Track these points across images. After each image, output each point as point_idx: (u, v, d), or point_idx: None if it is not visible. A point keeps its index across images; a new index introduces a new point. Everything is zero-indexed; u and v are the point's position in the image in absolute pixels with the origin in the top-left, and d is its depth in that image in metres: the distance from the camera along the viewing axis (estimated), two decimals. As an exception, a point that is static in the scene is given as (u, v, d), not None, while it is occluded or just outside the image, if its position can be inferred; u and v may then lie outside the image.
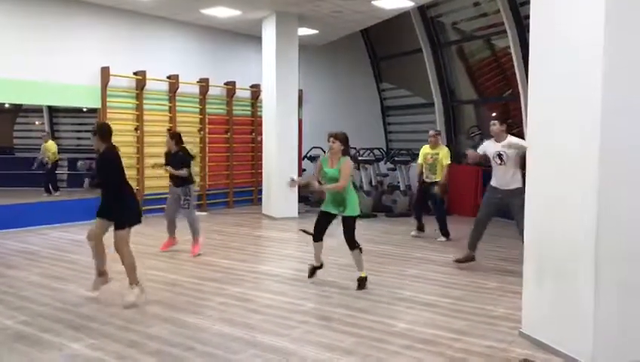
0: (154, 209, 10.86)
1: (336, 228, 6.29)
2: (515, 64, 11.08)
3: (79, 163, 5.12)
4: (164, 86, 11.81)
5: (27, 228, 9.66)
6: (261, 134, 12.46)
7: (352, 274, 6.67)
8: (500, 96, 13.73)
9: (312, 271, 6.43)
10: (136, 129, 11.21)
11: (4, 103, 12.97)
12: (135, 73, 11.14)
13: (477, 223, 6.97)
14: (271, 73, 11.68)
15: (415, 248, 8.48)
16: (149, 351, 4.30)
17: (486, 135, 8.56)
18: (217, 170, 13.00)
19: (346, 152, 6.25)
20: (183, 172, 7.75)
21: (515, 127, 12.53)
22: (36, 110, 15.03)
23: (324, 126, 13.28)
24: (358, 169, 12.39)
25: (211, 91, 12.61)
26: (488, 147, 6.90)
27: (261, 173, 12.50)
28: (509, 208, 6.71)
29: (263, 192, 12.20)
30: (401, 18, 12.53)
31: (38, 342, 4.48)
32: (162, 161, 8.13)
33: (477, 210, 7.27)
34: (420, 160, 9.24)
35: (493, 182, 6.85)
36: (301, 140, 12.67)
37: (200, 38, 12.59)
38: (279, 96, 11.55)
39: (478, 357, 4.22)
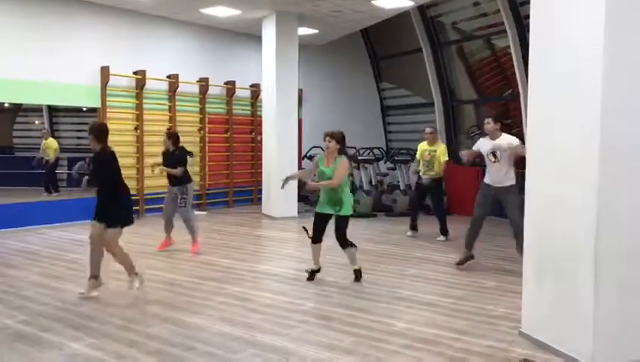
0: (153, 208, 10.86)
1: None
2: (515, 64, 11.08)
3: (74, 169, 5.10)
4: (164, 85, 11.81)
5: (27, 228, 9.66)
6: (261, 134, 12.47)
7: (351, 274, 6.67)
8: (499, 95, 13.74)
9: (312, 275, 6.43)
10: (136, 128, 11.21)
11: (3, 103, 12.95)
12: (135, 73, 11.14)
13: (473, 222, 7.01)
14: (271, 73, 11.68)
15: (415, 248, 8.49)
16: (149, 350, 4.30)
17: (486, 135, 8.59)
18: (217, 170, 13.00)
19: (342, 151, 6.25)
20: (177, 170, 7.76)
21: (515, 126, 12.55)
22: (36, 109, 15.01)
23: (324, 125, 13.26)
24: (358, 168, 12.40)
25: (211, 91, 12.61)
26: (482, 145, 6.99)
27: (261, 172, 12.50)
28: (502, 205, 6.83)
29: (263, 192, 12.20)
30: (400, 18, 12.53)
31: (38, 341, 4.48)
32: (161, 160, 8.13)
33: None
34: (417, 155, 9.31)
35: (486, 180, 6.92)
36: (301, 140, 12.68)
37: (200, 37, 12.59)
38: (279, 95, 11.55)
39: (477, 356, 4.22)
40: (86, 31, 10.59)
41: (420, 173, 9.21)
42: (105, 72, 10.56)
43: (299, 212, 11.59)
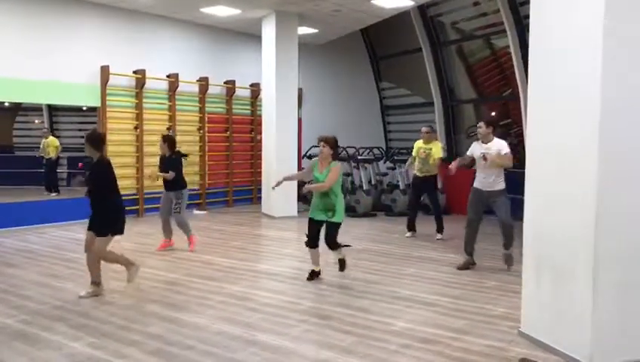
0: (154, 208, 10.85)
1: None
2: (515, 63, 11.10)
3: (73, 182, 5.16)
4: (164, 85, 11.81)
5: (27, 227, 9.66)
6: (261, 133, 12.47)
7: (351, 273, 6.69)
8: (499, 95, 13.75)
9: (312, 276, 6.45)
10: (135, 128, 11.21)
11: (3, 102, 12.96)
12: (135, 72, 11.14)
13: (468, 223, 7.05)
14: (271, 72, 11.68)
15: (414, 247, 8.49)
16: (148, 349, 4.30)
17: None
18: (217, 169, 13.00)
19: (335, 157, 6.30)
20: (168, 175, 7.81)
21: (515, 126, 12.56)
22: (36, 109, 15.03)
23: (323, 125, 13.41)
24: (358, 168, 12.41)
25: (211, 90, 12.61)
26: (475, 149, 7.03)
27: (260, 172, 12.50)
28: (491, 204, 6.88)
29: (263, 191, 12.21)
30: (400, 17, 12.54)
31: (38, 340, 4.48)
32: (158, 163, 8.21)
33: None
34: (413, 153, 9.36)
35: (476, 184, 6.97)
36: (300, 139, 12.68)
37: (200, 36, 12.60)
38: (279, 95, 11.56)
39: (477, 356, 4.23)
40: (86, 30, 10.59)
41: (415, 171, 9.26)
42: (105, 71, 10.57)
43: (298, 211, 11.60)
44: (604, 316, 3.90)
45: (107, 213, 5.63)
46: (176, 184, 7.89)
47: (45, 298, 5.63)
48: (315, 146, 12.72)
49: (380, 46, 15.74)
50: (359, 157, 12.60)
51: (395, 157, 12.91)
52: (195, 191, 12.28)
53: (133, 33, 11.27)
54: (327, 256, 6.78)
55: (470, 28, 13.81)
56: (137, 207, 11.25)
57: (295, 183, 10.84)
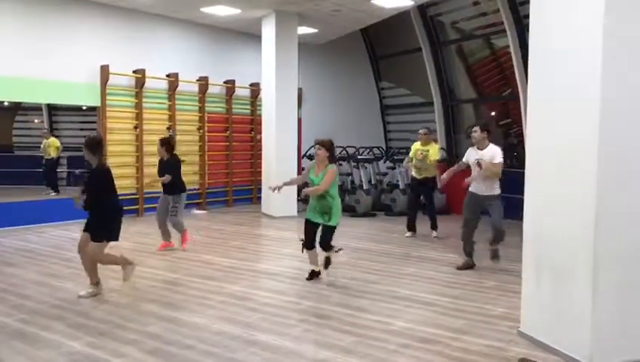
0: (153, 208, 10.83)
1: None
2: (515, 63, 11.09)
3: (73, 196, 5.26)
4: (164, 84, 11.81)
5: (26, 226, 9.66)
6: (260, 133, 12.46)
7: (350, 273, 6.69)
8: (499, 95, 13.75)
9: (311, 276, 6.45)
10: (135, 127, 11.20)
11: (3, 101, 12.97)
12: (134, 71, 11.13)
13: (465, 223, 7.06)
14: (270, 72, 11.68)
15: (414, 247, 8.49)
16: (147, 349, 4.30)
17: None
18: (217, 169, 13.00)
19: (332, 160, 6.32)
20: (164, 178, 7.83)
21: (515, 126, 12.56)
22: (35, 108, 15.04)
23: (323, 125, 13.42)
24: (358, 168, 12.40)
25: (211, 90, 12.60)
26: (470, 155, 7.03)
27: (260, 171, 12.49)
28: (487, 206, 6.88)
29: (263, 191, 12.20)
30: (400, 17, 12.53)
31: (37, 339, 4.48)
32: (157, 166, 8.21)
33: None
34: (410, 154, 9.39)
35: (472, 188, 6.96)
36: (300, 139, 12.68)
37: (199, 36, 12.59)
38: (279, 94, 11.55)
39: (476, 356, 4.22)
40: (86, 29, 10.59)
41: (413, 173, 9.28)
42: (104, 70, 10.56)
43: (298, 211, 11.59)
44: (603, 316, 3.89)
45: (104, 213, 5.63)
46: (174, 187, 7.90)
47: (44, 297, 5.63)
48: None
49: (379, 46, 15.73)
50: (359, 157, 12.60)
51: (395, 157, 12.91)
52: (195, 191, 12.27)
53: (132, 32, 11.26)
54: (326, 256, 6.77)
55: (470, 28, 13.80)
56: (137, 206, 11.24)
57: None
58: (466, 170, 7.10)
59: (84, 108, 12.95)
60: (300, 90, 12.92)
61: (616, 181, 3.89)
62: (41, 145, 12.98)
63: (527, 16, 10.09)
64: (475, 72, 13.91)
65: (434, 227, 9.30)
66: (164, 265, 7.21)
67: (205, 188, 12.68)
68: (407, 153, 12.66)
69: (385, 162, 13.36)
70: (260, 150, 12.49)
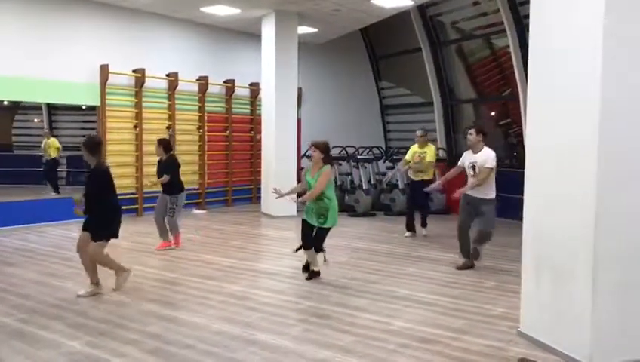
0: (153, 207, 10.83)
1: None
2: (515, 63, 11.09)
3: (73, 199, 5.28)
4: (164, 84, 11.80)
5: (26, 226, 9.65)
6: (260, 133, 12.46)
7: (350, 273, 6.70)
8: (499, 95, 13.75)
9: (311, 275, 6.45)
10: (135, 127, 11.20)
11: (2, 101, 12.95)
12: (134, 71, 11.12)
13: (459, 228, 7.08)
14: (270, 71, 11.68)
15: (413, 247, 8.49)
16: (147, 348, 4.30)
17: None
18: (216, 168, 12.99)
19: (327, 161, 6.33)
20: (162, 178, 7.85)
21: (514, 126, 12.56)
22: (35, 107, 15.01)
23: (323, 124, 13.42)
24: (357, 168, 12.40)
25: (210, 89, 12.60)
26: (465, 158, 7.04)
27: (260, 171, 12.49)
28: (476, 211, 6.89)
29: (262, 191, 12.19)
30: (400, 17, 12.53)
31: (36, 339, 4.47)
32: (156, 167, 8.22)
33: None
34: (407, 156, 9.40)
35: (467, 191, 6.93)
36: (300, 139, 12.67)
37: (199, 36, 12.58)
38: (278, 94, 11.55)
39: (476, 356, 4.22)
40: (85, 29, 10.58)
41: (411, 175, 9.30)
42: (104, 70, 10.55)
43: (298, 211, 11.57)
44: (603, 316, 3.89)
45: (105, 213, 5.64)
46: (173, 187, 7.91)
47: (44, 297, 5.62)
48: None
49: (379, 45, 15.73)
50: (359, 157, 12.60)
51: (395, 157, 12.91)
52: (195, 191, 12.27)
53: (132, 32, 11.26)
54: (327, 256, 6.77)
55: (470, 27, 13.81)
56: (136, 206, 11.24)
57: (294, 182, 10.86)
58: (463, 173, 7.11)
59: (83, 107, 12.94)
60: (299, 90, 12.92)
61: (616, 181, 3.89)
62: (42, 145, 12.98)
63: (527, 16, 10.09)
64: (474, 72, 13.92)
65: (423, 225, 9.39)
66: (163, 264, 7.21)
67: (205, 188, 12.67)
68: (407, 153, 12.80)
69: (384, 162, 13.37)
70: (260, 150, 12.48)
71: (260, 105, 12.67)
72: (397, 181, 12.47)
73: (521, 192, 4.63)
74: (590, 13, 3.88)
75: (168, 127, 11.48)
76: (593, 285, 3.88)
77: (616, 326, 3.93)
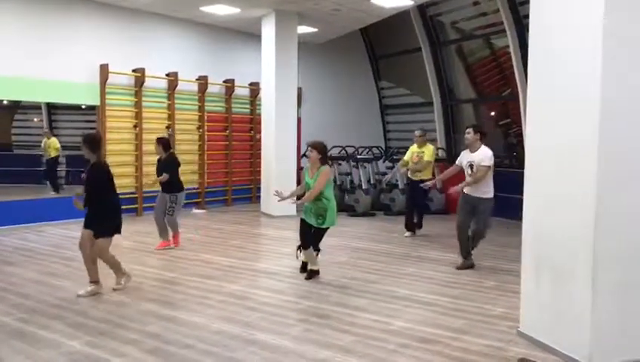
0: (152, 207, 10.83)
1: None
2: (515, 63, 11.09)
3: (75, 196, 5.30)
4: (163, 83, 11.80)
5: (25, 225, 9.65)
6: (260, 132, 12.46)
7: (350, 273, 6.70)
8: (498, 95, 13.74)
9: (311, 275, 6.46)
10: (135, 126, 11.20)
11: (2, 100, 12.94)
12: (134, 70, 11.12)
13: (458, 228, 7.07)
14: (270, 71, 11.67)
15: (413, 246, 8.49)
16: (147, 348, 4.30)
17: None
18: (216, 168, 12.99)
19: (324, 161, 6.35)
20: (161, 177, 7.84)
21: (514, 126, 12.55)
22: (35, 107, 14.99)
23: (323, 124, 13.42)
24: (357, 167, 12.40)
25: (210, 89, 12.59)
26: (462, 158, 7.06)
27: (260, 171, 12.48)
28: (474, 210, 6.89)
29: (262, 190, 12.19)
30: (400, 17, 12.53)
31: (36, 339, 4.47)
32: (156, 166, 8.21)
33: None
34: (406, 156, 9.42)
35: (465, 189, 6.97)
36: (300, 138, 12.67)
37: (199, 35, 12.58)
38: (278, 94, 11.55)
39: (476, 355, 4.22)
40: (85, 28, 10.57)
41: (409, 175, 9.31)
42: (104, 69, 10.55)
43: (297, 210, 11.57)
44: (603, 316, 3.89)
45: (105, 212, 5.65)
46: (172, 186, 7.91)
47: (44, 296, 5.62)
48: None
49: (379, 45, 15.73)
50: (358, 157, 12.60)
51: (394, 157, 12.91)
52: (194, 190, 12.27)
53: (132, 32, 11.25)
54: (326, 256, 6.79)
55: (470, 27, 13.80)
56: (136, 205, 11.23)
57: (294, 182, 10.90)
58: (462, 172, 7.12)
59: (83, 107, 12.92)
60: (299, 90, 12.91)
61: (616, 181, 3.89)
62: (42, 144, 12.97)
63: (527, 16, 10.07)
64: (474, 72, 13.91)
65: (419, 226, 9.42)
66: (163, 264, 7.21)
67: (204, 188, 12.67)
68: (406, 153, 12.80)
69: (384, 162, 13.38)
70: (260, 149, 12.48)
71: (259, 104, 12.67)
72: (397, 181, 12.47)
73: (521, 192, 4.63)
74: (590, 13, 3.88)
75: (168, 127, 11.47)
76: (593, 285, 3.88)
77: (616, 326, 3.93)
